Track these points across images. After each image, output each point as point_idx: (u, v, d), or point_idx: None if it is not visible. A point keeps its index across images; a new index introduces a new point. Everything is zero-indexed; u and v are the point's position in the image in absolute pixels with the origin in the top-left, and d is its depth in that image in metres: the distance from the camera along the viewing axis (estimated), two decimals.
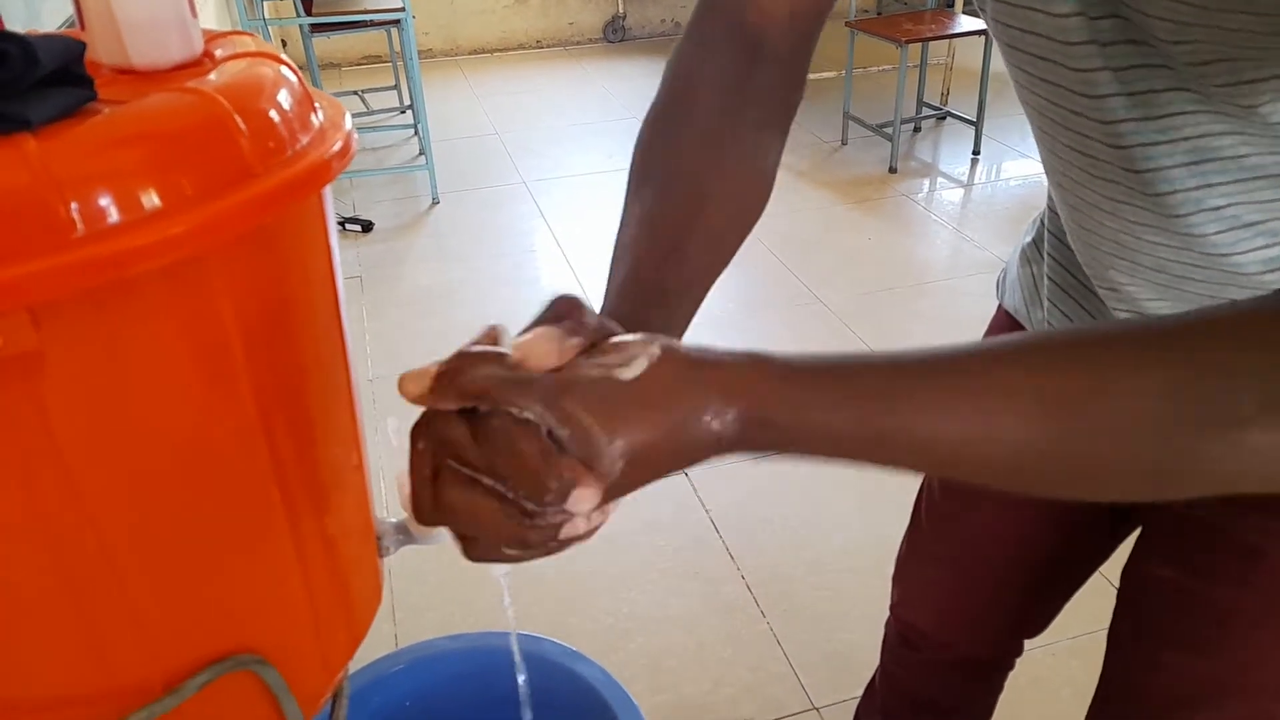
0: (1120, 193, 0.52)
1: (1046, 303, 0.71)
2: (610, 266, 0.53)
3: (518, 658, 0.76)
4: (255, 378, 0.42)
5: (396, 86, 4.01)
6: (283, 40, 4.63)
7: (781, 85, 0.58)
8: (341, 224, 3.00)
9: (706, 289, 0.54)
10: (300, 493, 0.46)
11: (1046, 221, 0.71)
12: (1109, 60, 0.46)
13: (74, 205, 0.33)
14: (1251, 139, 0.45)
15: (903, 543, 0.94)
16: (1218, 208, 0.49)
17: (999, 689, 1.02)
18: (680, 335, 0.52)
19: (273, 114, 0.42)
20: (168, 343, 0.39)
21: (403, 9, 2.94)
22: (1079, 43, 0.46)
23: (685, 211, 0.54)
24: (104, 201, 0.34)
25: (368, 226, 3.02)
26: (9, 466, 0.37)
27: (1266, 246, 0.49)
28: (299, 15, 3.28)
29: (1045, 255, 0.71)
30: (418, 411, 0.43)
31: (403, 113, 3.95)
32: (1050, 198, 0.69)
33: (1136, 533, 0.73)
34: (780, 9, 0.56)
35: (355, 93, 4.04)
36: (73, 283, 0.33)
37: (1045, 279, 0.71)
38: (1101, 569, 0.83)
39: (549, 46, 5.22)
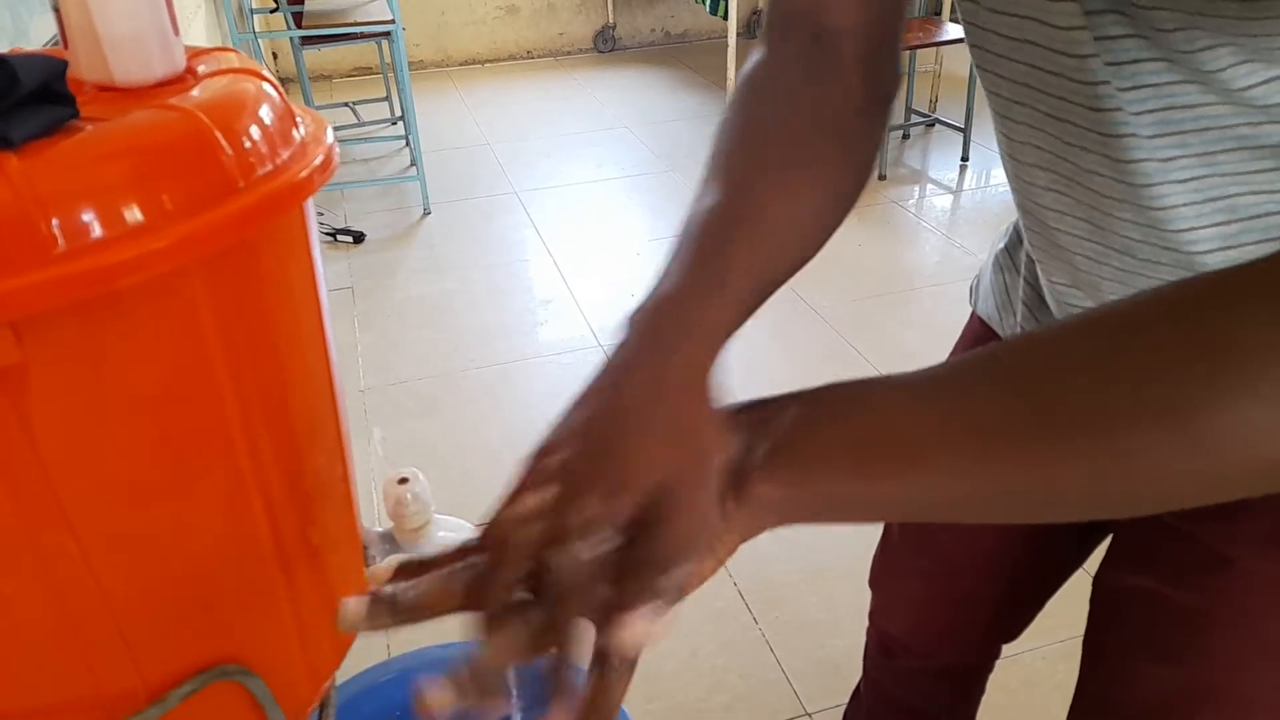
0: (1094, 162, 0.52)
1: (1021, 308, 0.71)
2: (671, 255, 0.50)
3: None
4: (238, 389, 0.42)
5: (387, 98, 4.02)
6: (274, 53, 4.63)
7: (866, 70, 0.58)
8: (333, 235, 3.00)
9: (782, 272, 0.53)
10: (285, 503, 0.47)
11: (1022, 228, 0.71)
12: (1088, 21, 0.47)
13: (55, 221, 0.34)
14: (1213, 109, 0.46)
15: (877, 551, 0.94)
16: (1183, 180, 0.49)
17: (980, 692, 1.02)
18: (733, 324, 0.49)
19: (254, 129, 0.42)
20: (151, 355, 0.39)
21: (393, 21, 2.95)
22: (1062, 0, 0.47)
23: (772, 208, 0.52)
24: (86, 217, 0.35)
25: (359, 237, 3.02)
26: None
27: (1226, 224, 0.50)
28: (289, 28, 3.29)
29: (1023, 262, 0.71)
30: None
31: (394, 124, 3.96)
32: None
33: (1108, 540, 0.74)
34: (855, 9, 0.56)
35: (346, 104, 4.05)
36: (54, 298, 0.34)
37: (1022, 284, 0.71)
38: (1088, 571, 0.83)
39: (539, 57, 5.23)
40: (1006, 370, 0.37)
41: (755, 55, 0.60)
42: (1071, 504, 0.37)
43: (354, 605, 0.38)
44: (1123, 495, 0.35)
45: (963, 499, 0.37)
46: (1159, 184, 0.50)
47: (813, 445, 0.38)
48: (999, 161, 3.40)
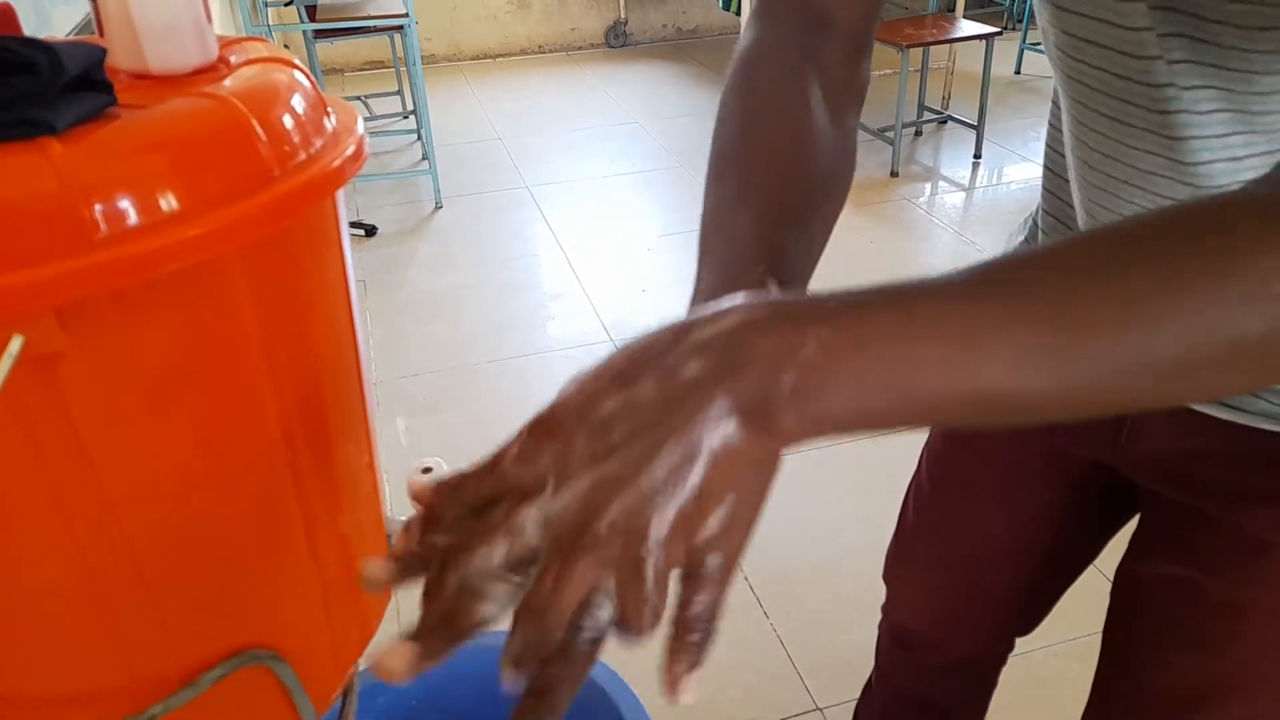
0: (1156, 164, 0.52)
1: None
2: (702, 252, 0.49)
3: None
4: (274, 377, 0.42)
5: (399, 92, 4.02)
6: (285, 45, 4.64)
7: (851, 59, 0.58)
8: None
9: (815, 258, 0.51)
10: (316, 490, 0.47)
11: (1040, 221, 0.71)
12: (1155, 23, 0.46)
13: (98, 208, 0.34)
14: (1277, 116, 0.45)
15: (891, 544, 0.93)
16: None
17: (993, 685, 1.02)
18: None
19: (288, 118, 0.42)
20: (190, 342, 0.40)
21: (406, 15, 2.95)
22: (1130, 0, 0.46)
23: (781, 185, 0.52)
24: (127, 204, 0.35)
25: (371, 231, 3.03)
26: (34, 465, 0.38)
27: None
28: (303, 21, 3.30)
29: None
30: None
31: (406, 118, 3.97)
32: (1044, 198, 0.69)
33: (1128, 530, 0.73)
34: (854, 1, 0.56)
35: (359, 98, 4.05)
36: (97, 284, 0.34)
37: None
38: (1102, 568, 0.83)
39: (551, 52, 5.23)
40: (1058, 259, 0.34)
41: (751, 33, 0.59)
42: (1152, 379, 0.33)
43: (376, 568, 0.36)
44: (1211, 358, 0.33)
45: (1025, 396, 0.34)
46: (1227, 185, 0.50)
47: (847, 378, 0.33)
48: (1011, 159, 3.38)
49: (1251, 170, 0.49)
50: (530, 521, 0.33)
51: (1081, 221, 0.62)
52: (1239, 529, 0.59)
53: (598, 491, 0.32)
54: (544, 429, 0.34)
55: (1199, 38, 0.45)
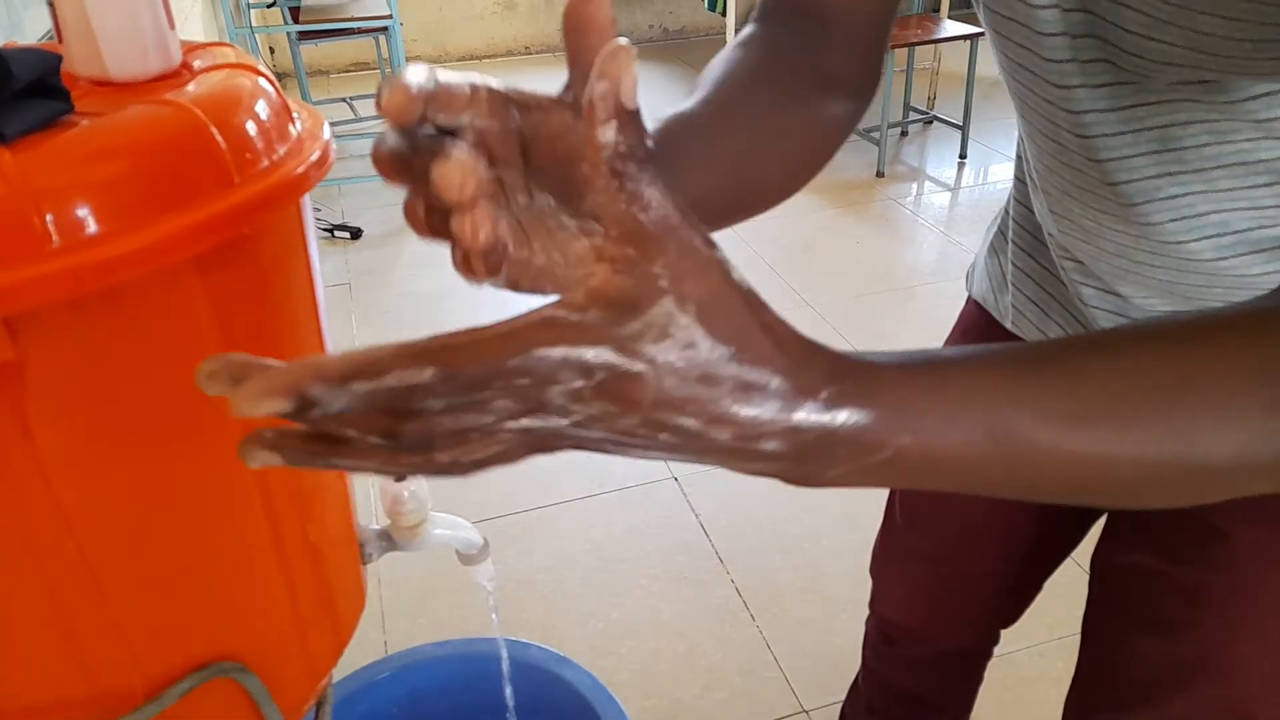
0: (1085, 181, 0.54)
1: (1012, 288, 0.72)
2: None
3: (505, 665, 0.77)
4: None
5: None
6: (270, 48, 4.62)
7: (856, 59, 0.57)
8: (330, 231, 3.00)
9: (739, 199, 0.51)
10: (282, 500, 0.47)
11: (1011, 209, 0.73)
12: (1078, 53, 0.48)
13: (49, 217, 0.34)
14: (1214, 126, 0.46)
15: (877, 538, 0.94)
16: (1172, 196, 0.51)
17: (980, 678, 1.03)
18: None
19: (250, 125, 0.42)
20: (149, 352, 0.39)
21: (390, 16, 2.94)
22: (1052, 34, 0.48)
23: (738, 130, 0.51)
24: (80, 212, 0.35)
25: (356, 233, 3.01)
26: None
27: (1217, 235, 0.51)
28: (286, 22, 3.28)
29: (1009, 241, 0.72)
30: None
31: None
32: (1015, 186, 0.71)
33: (1103, 519, 0.74)
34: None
35: (344, 99, 4.03)
36: (48, 293, 0.34)
37: (1010, 265, 0.72)
38: (1084, 565, 0.84)
39: (537, 53, 5.22)
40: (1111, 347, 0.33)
41: (745, 29, 0.59)
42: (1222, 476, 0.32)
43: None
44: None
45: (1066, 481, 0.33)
46: (1147, 203, 0.52)
47: (900, 478, 0.33)
48: (997, 159, 3.39)
49: (1172, 188, 0.50)
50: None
51: (1039, 213, 0.64)
52: (1199, 517, 0.60)
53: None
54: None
55: (1115, 63, 0.47)
